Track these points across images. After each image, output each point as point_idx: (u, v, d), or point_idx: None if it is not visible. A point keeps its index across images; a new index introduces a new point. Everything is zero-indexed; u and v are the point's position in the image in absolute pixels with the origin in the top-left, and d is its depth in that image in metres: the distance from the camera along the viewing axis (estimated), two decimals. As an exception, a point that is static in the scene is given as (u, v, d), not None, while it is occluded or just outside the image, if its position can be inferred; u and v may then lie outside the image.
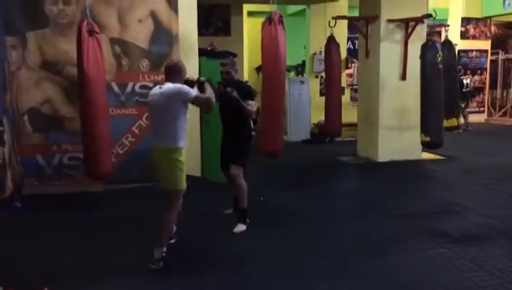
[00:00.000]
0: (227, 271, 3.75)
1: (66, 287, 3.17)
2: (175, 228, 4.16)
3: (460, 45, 12.77)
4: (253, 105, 4.72)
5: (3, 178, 4.83)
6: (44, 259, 3.93)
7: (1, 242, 4.28)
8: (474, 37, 13.39)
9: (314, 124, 10.58)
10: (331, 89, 8.15)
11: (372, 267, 3.79)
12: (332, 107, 8.09)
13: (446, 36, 7.39)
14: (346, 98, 11.76)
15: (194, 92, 3.75)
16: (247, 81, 5.06)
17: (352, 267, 3.79)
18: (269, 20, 5.62)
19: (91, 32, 4.59)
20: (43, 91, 5.79)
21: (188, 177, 5.86)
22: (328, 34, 8.02)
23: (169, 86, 3.76)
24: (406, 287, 3.46)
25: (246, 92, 4.72)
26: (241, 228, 4.57)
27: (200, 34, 7.34)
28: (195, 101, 3.77)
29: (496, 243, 4.29)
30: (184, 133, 3.78)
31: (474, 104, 13.54)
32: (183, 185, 3.84)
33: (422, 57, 6.75)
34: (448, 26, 8.16)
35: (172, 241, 4.10)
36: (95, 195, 5.80)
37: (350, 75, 12.36)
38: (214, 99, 3.87)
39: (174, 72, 3.84)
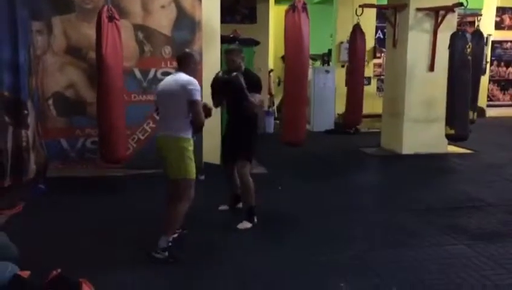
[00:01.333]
0: (237, 264, 3.76)
1: (84, 269, 3.23)
2: None
3: (494, 35, 12.31)
4: (257, 98, 4.40)
5: (27, 161, 4.95)
6: (64, 241, 4.03)
7: (23, 224, 4.40)
8: (510, 28, 12.88)
9: (338, 114, 10.44)
10: (353, 79, 8.03)
11: (389, 261, 3.74)
12: (353, 98, 7.98)
13: (477, 26, 7.13)
14: (372, 88, 11.54)
15: (198, 97, 3.70)
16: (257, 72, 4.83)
17: (368, 261, 3.74)
18: (293, 8, 5.55)
19: (111, 18, 4.62)
20: (67, 76, 5.88)
21: (207, 164, 5.97)
22: (356, 22, 7.87)
23: (184, 76, 3.74)
24: (421, 283, 3.40)
25: (254, 83, 4.41)
26: (246, 225, 4.37)
27: (225, 21, 7.32)
28: (193, 105, 3.65)
29: (518, 241, 4.16)
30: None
31: (507, 96, 13.09)
32: (193, 174, 3.81)
33: (451, 47, 6.54)
34: (481, 15, 7.86)
35: (179, 231, 4.03)
36: (116, 179, 5.90)
37: (379, 65, 12.11)
38: (203, 120, 3.74)
39: (185, 62, 3.85)
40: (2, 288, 2.84)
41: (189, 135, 3.76)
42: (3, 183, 4.60)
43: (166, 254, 3.66)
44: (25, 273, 3.00)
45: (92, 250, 3.88)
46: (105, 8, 4.68)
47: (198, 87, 3.73)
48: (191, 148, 3.78)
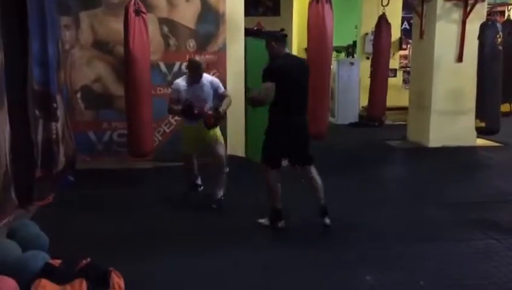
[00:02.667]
0: (259, 254, 3.77)
1: (112, 259, 3.30)
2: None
3: (526, 25, 11.93)
4: (254, 91, 4.31)
5: (56, 153, 5.06)
6: (92, 232, 4.11)
7: (53, 214, 4.51)
8: (542, 17, 12.47)
9: (363, 107, 10.32)
10: (377, 71, 7.92)
11: (417, 255, 3.70)
12: (376, 90, 7.87)
13: (508, 16, 6.92)
14: (398, 80, 11.35)
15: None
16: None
17: (395, 255, 3.71)
18: (316, -1, 5.51)
19: (138, 12, 4.68)
20: (94, 69, 5.99)
21: (232, 157, 5.99)
22: (381, 13, 7.74)
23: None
24: (449, 277, 3.35)
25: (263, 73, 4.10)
26: (265, 221, 4.27)
27: (248, 14, 7.30)
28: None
29: (550, 236, 4.05)
30: None
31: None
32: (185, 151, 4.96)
33: (481, 37, 6.38)
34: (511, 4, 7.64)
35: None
36: (142, 172, 5.99)
37: (405, 57, 11.90)
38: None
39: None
40: (34, 276, 2.92)
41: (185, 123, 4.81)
42: (35, 174, 4.71)
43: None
44: (56, 262, 3.08)
45: (120, 240, 3.96)
46: (133, 2, 4.73)
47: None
48: (185, 133, 4.89)
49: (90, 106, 6.04)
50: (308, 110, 4.77)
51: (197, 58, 5.01)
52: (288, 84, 3.98)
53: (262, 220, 4.28)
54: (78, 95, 6.00)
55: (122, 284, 2.96)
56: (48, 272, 2.94)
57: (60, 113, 5.15)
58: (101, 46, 5.96)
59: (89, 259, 3.09)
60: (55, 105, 5.07)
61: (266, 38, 4.30)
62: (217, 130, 4.79)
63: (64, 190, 5.19)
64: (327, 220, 4.16)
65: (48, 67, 4.96)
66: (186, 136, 4.92)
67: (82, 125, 6.01)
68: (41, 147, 4.83)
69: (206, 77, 4.76)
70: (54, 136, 5.03)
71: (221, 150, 4.76)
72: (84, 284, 2.83)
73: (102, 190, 5.26)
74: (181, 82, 4.74)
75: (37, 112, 4.81)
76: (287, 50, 4.25)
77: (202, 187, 5.18)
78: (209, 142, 4.75)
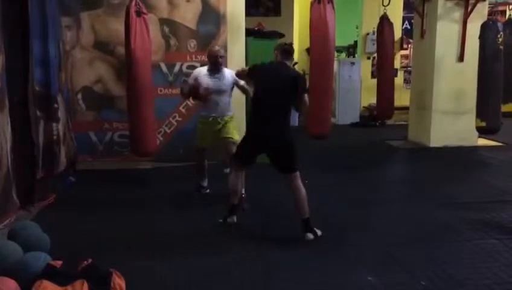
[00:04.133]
0: (259, 253, 3.77)
1: (114, 260, 3.30)
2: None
3: (527, 24, 11.91)
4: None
5: (57, 153, 5.07)
6: (93, 232, 4.11)
7: (54, 215, 4.51)
8: (543, 16, 12.44)
9: (364, 107, 10.32)
10: (382, 71, 7.90)
11: (418, 256, 3.68)
12: (384, 90, 7.85)
13: (509, 15, 6.92)
14: (399, 80, 11.34)
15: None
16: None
17: (396, 255, 3.69)
18: (318, -1, 5.49)
19: (139, 13, 4.68)
20: (95, 70, 5.99)
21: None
22: (382, 13, 7.73)
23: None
24: (451, 277, 3.33)
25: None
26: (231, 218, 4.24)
27: (249, 14, 7.30)
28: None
29: (552, 236, 4.04)
30: None
31: None
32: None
33: (482, 37, 6.37)
34: (513, 4, 7.63)
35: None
36: (143, 172, 6.00)
37: (406, 57, 11.89)
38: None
39: None
40: (36, 277, 2.92)
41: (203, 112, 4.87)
42: (36, 175, 4.72)
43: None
44: (57, 263, 3.08)
45: (121, 240, 3.95)
46: (134, 3, 4.73)
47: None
48: (201, 125, 4.92)
49: (91, 106, 6.04)
50: (311, 111, 4.77)
51: (217, 47, 4.98)
52: (260, 89, 4.06)
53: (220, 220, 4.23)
54: (79, 95, 6.00)
55: (124, 285, 2.96)
56: (49, 273, 2.94)
57: (61, 113, 5.16)
58: (102, 46, 5.96)
59: (90, 260, 3.08)
60: (56, 106, 5.07)
61: (277, 46, 4.31)
62: (233, 127, 4.85)
63: (65, 190, 5.20)
64: (309, 236, 3.93)
65: (49, 68, 4.96)
66: (202, 128, 4.90)
67: (83, 126, 6.01)
68: (43, 148, 4.84)
69: (227, 70, 4.88)
70: (55, 136, 5.03)
71: (231, 147, 4.71)
72: (86, 285, 2.83)
73: (104, 190, 5.27)
74: (202, 69, 4.85)
75: (38, 112, 4.81)
76: (285, 61, 4.10)
77: (208, 190, 5.15)
78: (224, 137, 4.79)
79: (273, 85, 3.96)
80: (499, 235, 4.06)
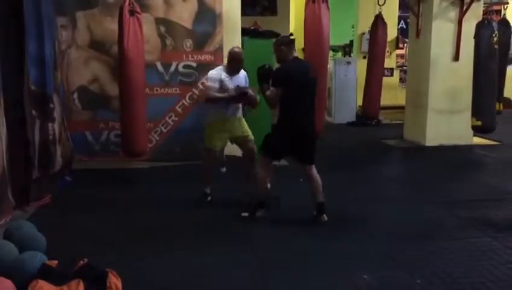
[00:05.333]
0: (255, 254, 3.78)
1: (110, 259, 3.30)
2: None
3: (522, 24, 11.97)
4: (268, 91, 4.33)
5: (53, 153, 5.05)
6: (89, 232, 4.11)
7: (50, 215, 4.50)
8: (538, 16, 12.50)
9: (360, 106, 10.34)
10: (372, 70, 7.95)
11: (413, 254, 3.70)
12: (372, 89, 7.90)
13: (504, 15, 6.95)
14: (395, 79, 11.38)
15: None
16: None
17: (392, 254, 3.71)
18: (313, -2, 5.51)
19: (132, 12, 4.67)
20: (91, 70, 5.97)
21: (230, 157, 5.99)
22: (378, 12, 7.76)
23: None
24: (446, 275, 3.35)
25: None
26: (244, 213, 4.43)
27: (245, 14, 7.30)
28: None
29: (547, 234, 4.06)
30: None
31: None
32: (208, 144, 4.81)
33: (477, 36, 6.39)
34: (508, 3, 7.66)
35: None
36: (140, 172, 5.98)
37: (401, 56, 11.93)
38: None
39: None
40: (31, 277, 2.91)
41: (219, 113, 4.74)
42: (32, 175, 4.70)
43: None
44: (53, 263, 3.08)
45: (118, 240, 3.95)
46: (127, 2, 4.73)
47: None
48: (214, 125, 4.78)
49: (87, 106, 6.02)
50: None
51: (237, 49, 4.89)
52: (295, 88, 4.16)
53: (244, 214, 4.41)
54: (75, 95, 5.98)
55: (120, 285, 2.96)
56: (44, 273, 2.94)
57: (56, 113, 5.15)
58: (97, 46, 5.94)
59: (86, 260, 3.08)
60: (51, 105, 5.06)
61: (275, 42, 4.43)
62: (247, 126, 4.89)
63: (61, 190, 5.18)
64: (325, 217, 4.35)
65: (45, 67, 4.95)
66: (215, 129, 4.78)
67: (79, 126, 5.98)
68: (38, 148, 4.82)
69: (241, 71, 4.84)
70: (51, 136, 5.02)
71: (252, 144, 4.80)
72: (81, 285, 2.83)
73: (100, 190, 5.26)
74: (220, 72, 4.74)
75: (33, 112, 4.80)
76: (295, 54, 4.33)
77: (210, 197, 4.89)
78: (242, 135, 4.80)
79: (306, 81, 4.26)
80: (495, 233, 4.08)
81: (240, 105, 4.83)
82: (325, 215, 4.35)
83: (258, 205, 4.42)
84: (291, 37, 4.41)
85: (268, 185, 4.53)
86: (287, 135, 4.25)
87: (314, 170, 4.41)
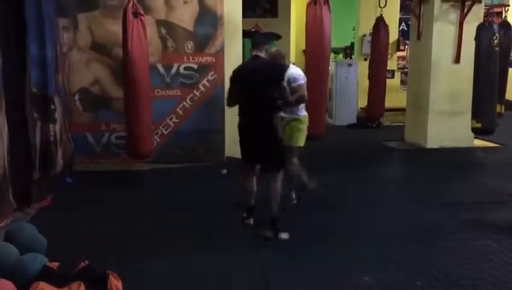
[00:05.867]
0: (253, 255, 3.78)
1: (111, 261, 3.30)
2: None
3: (522, 26, 11.97)
4: None
5: (54, 154, 5.06)
6: (90, 234, 4.11)
7: (51, 216, 4.51)
8: (538, 18, 12.50)
9: (361, 108, 10.35)
10: (375, 72, 7.96)
11: (414, 256, 3.71)
12: (375, 91, 7.91)
13: (504, 17, 6.95)
14: (396, 81, 11.37)
15: None
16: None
17: (393, 256, 3.71)
18: (314, 0, 5.53)
19: (136, 14, 4.69)
20: (92, 72, 5.98)
21: (230, 158, 6.00)
22: (379, 15, 7.77)
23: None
24: (447, 277, 3.35)
25: None
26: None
27: (246, 16, 7.31)
28: None
29: (547, 237, 4.06)
30: None
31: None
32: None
33: (477, 38, 6.40)
34: (508, 6, 7.67)
35: None
36: (140, 173, 5.99)
37: (402, 58, 11.93)
38: None
39: None
40: (32, 279, 2.91)
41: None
42: (33, 177, 4.71)
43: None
44: (54, 265, 3.07)
45: (119, 241, 3.96)
46: (131, 4, 4.75)
47: None
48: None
49: (89, 107, 6.04)
50: (307, 111, 4.77)
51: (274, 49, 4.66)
52: (242, 88, 4.08)
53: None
54: (76, 97, 6.00)
55: (120, 287, 2.96)
56: (45, 275, 2.93)
57: (57, 115, 5.15)
58: (99, 48, 5.95)
59: (87, 262, 3.08)
60: (53, 107, 5.07)
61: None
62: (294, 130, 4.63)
63: (62, 192, 5.19)
64: (268, 234, 3.99)
65: (46, 69, 4.96)
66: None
67: (80, 127, 6.00)
68: (39, 149, 4.83)
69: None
70: (52, 138, 5.03)
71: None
72: (82, 287, 2.83)
73: (101, 191, 5.26)
74: None
75: (35, 113, 4.81)
76: (254, 52, 4.15)
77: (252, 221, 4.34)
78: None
79: (254, 80, 4.01)
80: (495, 235, 4.08)
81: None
82: (269, 232, 4.00)
83: (246, 212, 4.26)
84: (256, 32, 4.31)
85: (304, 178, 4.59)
86: (241, 137, 4.16)
87: (277, 182, 4.06)
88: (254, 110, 4.04)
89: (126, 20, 4.79)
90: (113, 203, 4.93)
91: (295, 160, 4.64)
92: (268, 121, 4.00)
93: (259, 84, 3.98)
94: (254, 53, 4.17)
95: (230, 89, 4.21)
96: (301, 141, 4.61)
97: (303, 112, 4.61)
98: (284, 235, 3.99)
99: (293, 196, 4.74)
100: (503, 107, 7.37)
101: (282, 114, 4.34)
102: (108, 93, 6.04)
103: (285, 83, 4.15)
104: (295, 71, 4.53)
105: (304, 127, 4.62)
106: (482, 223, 4.36)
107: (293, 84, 4.37)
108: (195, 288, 3.26)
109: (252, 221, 4.27)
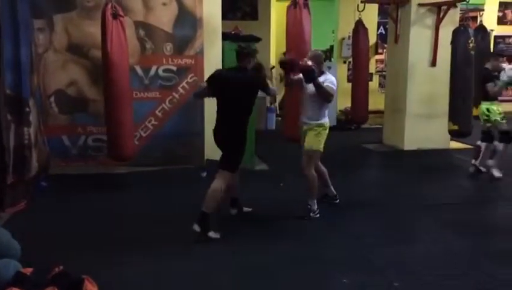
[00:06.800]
0: (236, 258, 3.77)
1: (86, 267, 3.24)
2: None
3: (496, 30, 12.25)
4: None
5: (29, 158, 4.95)
6: (66, 239, 4.04)
7: (26, 221, 4.41)
8: (512, 23, 12.83)
9: (340, 110, 10.42)
10: (358, 75, 8.01)
11: (391, 257, 3.75)
12: (359, 94, 7.96)
13: (480, 21, 7.10)
14: (374, 84, 11.50)
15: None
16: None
17: (371, 257, 3.75)
18: (294, 3, 5.56)
19: (115, 16, 4.63)
20: (69, 73, 5.87)
21: (212, 161, 5.96)
22: (358, 18, 7.85)
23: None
24: (424, 278, 3.39)
25: None
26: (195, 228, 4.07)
27: (226, 18, 7.30)
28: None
29: (521, 236, 4.16)
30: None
31: (510, 92, 13.02)
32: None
33: (453, 42, 6.51)
34: (483, 10, 7.83)
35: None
36: (118, 177, 5.91)
37: (381, 61, 12.09)
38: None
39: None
40: (5, 285, 2.85)
41: None
42: (6, 180, 4.60)
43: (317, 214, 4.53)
44: (28, 270, 3.02)
45: (95, 246, 3.89)
46: (109, 6, 4.69)
47: None
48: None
49: (65, 110, 5.92)
50: (288, 114, 4.77)
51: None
52: (218, 93, 4.23)
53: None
54: (52, 99, 5.88)
55: (96, 292, 2.92)
56: (19, 280, 2.89)
57: (32, 117, 5.05)
58: (75, 49, 5.85)
59: (61, 267, 3.03)
60: (27, 109, 4.96)
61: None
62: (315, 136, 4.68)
63: (37, 195, 5.08)
64: (196, 227, 4.00)
65: (21, 71, 4.85)
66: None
67: (56, 130, 5.87)
68: (13, 153, 4.72)
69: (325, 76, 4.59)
70: (27, 141, 4.92)
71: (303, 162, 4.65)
72: (56, 292, 2.78)
73: (77, 195, 5.17)
74: None
75: (8, 116, 4.70)
76: (243, 64, 4.26)
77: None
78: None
79: (231, 91, 4.21)
80: (470, 235, 4.15)
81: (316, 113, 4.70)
82: (197, 226, 4.00)
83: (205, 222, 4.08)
84: (239, 48, 4.37)
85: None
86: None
87: (218, 179, 4.16)
88: (227, 117, 4.21)
89: (105, 22, 4.72)
90: (89, 207, 4.86)
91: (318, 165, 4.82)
92: (237, 129, 4.20)
93: (236, 94, 4.16)
94: (239, 64, 4.28)
95: (205, 87, 4.32)
96: (321, 145, 4.71)
97: (325, 119, 4.72)
98: (213, 235, 4.03)
99: (314, 207, 4.64)
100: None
101: (305, 120, 4.62)
102: (85, 95, 5.94)
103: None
104: (332, 78, 4.64)
105: (325, 132, 4.73)
106: (459, 224, 4.44)
107: (328, 88, 4.51)
108: (173, 292, 3.23)
109: (234, 211, 4.58)
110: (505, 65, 6.76)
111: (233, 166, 4.23)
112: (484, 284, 3.32)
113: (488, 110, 5.94)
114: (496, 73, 5.89)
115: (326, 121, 4.69)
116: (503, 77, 5.85)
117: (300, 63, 4.38)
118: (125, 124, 5.24)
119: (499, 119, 5.89)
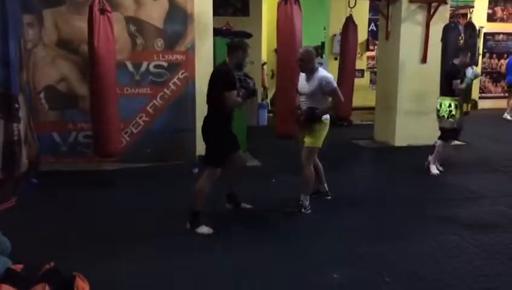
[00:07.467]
0: (230, 255, 3.77)
1: (77, 263, 3.23)
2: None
3: (486, 27, 12.36)
4: None
5: (18, 155, 4.91)
6: (56, 235, 4.01)
7: (16, 218, 4.37)
8: (502, 20, 12.93)
9: (330, 107, 10.45)
10: (343, 72, 8.04)
11: (382, 253, 3.76)
12: (343, 90, 7.97)
13: (469, 18, 7.15)
14: (365, 81, 11.56)
15: None
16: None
17: (361, 253, 3.76)
18: (285, 0, 5.55)
19: (102, 11, 4.60)
20: (59, 69, 5.83)
21: (202, 157, 5.94)
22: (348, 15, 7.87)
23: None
24: (415, 274, 3.42)
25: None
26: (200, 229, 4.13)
27: (218, 14, 7.28)
28: None
29: (509, 231, 4.19)
30: None
31: (499, 88, 13.16)
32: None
33: (444, 39, 6.56)
34: (473, 7, 7.89)
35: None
36: (109, 173, 5.88)
37: (372, 58, 12.14)
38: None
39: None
40: (-5, 282, 2.82)
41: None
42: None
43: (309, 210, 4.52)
44: (18, 267, 2.99)
45: (86, 242, 3.87)
46: (97, 1, 4.65)
47: None
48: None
49: (55, 106, 5.88)
50: (279, 111, 4.76)
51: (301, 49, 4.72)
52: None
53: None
54: (42, 95, 5.83)
55: (87, 289, 2.90)
56: (9, 277, 2.86)
57: (22, 114, 5.00)
58: (65, 45, 5.80)
59: (52, 264, 3.01)
60: (17, 106, 4.92)
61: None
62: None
63: (27, 192, 5.04)
64: (188, 225, 4.13)
65: (9, 67, 4.81)
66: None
67: (46, 126, 5.83)
68: (3, 149, 4.69)
69: (321, 74, 4.59)
70: (16, 137, 4.88)
71: (303, 157, 4.68)
72: (47, 289, 2.76)
73: (67, 192, 5.14)
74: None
75: (-3, 112, 4.66)
76: (227, 58, 4.26)
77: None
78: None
79: (209, 85, 4.28)
80: (460, 231, 4.18)
81: None
82: (189, 224, 4.11)
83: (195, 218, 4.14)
84: (230, 42, 4.41)
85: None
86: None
87: (202, 177, 4.20)
88: (208, 112, 4.28)
89: (92, 17, 4.69)
90: (80, 204, 4.83)
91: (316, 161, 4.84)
92: (210, 120, 4.24)
93: (209, 86, 4.23)
94: (226, 57, 4.27)
95: None
96: (320, 141, 4.69)
97: (325, 115, 4.66)
98: (201, 230, 4.07)
99: (306, 203, 4.65)
100: (469, 106, 7.57)
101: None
102: (75, 91, 5.90)
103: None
104: (327, 74, 4.63)
105: (326, 129, 4.70)
106: (446, 219, 4.47)
107: (327, 89, 4.52)
108: (164, 289, 3.22)
109: (230, 206, 4.59)
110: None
111: (216, 160, 4.18)
112: (472, 277, 3.35)
113: (440, 104, 5.98)
114: (463, 68, 5.90)
115: (325, 117, 4.66)
116: (468, 73, 5.87)
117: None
118: (111, 119, 5.21)
119: (445, 115, 5.92)
